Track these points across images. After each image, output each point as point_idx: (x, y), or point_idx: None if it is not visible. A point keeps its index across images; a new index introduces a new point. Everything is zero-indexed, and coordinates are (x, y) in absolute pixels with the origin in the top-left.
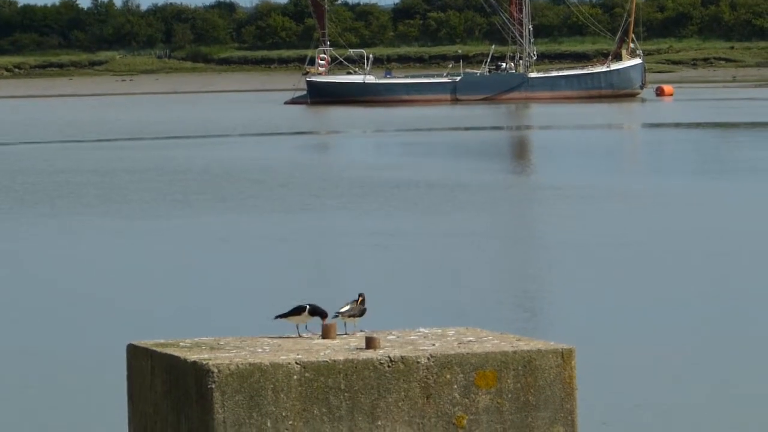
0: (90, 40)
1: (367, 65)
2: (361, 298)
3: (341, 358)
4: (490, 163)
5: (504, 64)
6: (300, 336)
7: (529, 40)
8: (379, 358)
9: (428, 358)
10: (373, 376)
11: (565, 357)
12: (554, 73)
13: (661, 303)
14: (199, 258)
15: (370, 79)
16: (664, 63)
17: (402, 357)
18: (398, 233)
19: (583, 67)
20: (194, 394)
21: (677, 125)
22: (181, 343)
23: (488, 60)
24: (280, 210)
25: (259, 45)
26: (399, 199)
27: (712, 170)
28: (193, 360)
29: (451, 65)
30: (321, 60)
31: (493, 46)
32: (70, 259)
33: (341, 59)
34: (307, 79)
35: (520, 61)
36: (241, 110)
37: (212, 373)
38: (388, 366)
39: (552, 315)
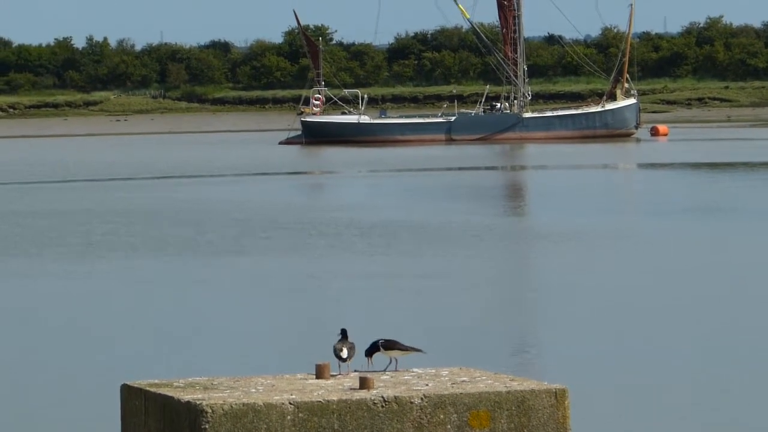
0: (85, 80)
1: (362, 105)
2: (344, 336)
3: (335, 398)
4: (484, 204)
5: (499, 104)
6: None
7: (524, 80)
8: (372, 398)
9: (422, 399)
10: (367, 416)
11: (558, 397)
12: (549, 113)
13: (655, 343)
14: (182, 300)
15: (365, 119)
16: (658, 103)
17: (396, 397)
18: (391, 274)
19: (577, 107)
20: None
21: (672, 165)
22: (175, 383)
23: (483, 100)
24: (272, 250)
25: (253, 85)
26: (392, 239)
27: (706, 211)
28: (186, 400)
29: (445, 105)
30: (316, 100)
31: (487, 86)
32: (50, 301)
33: (336, 99)
34: (302, 119)
35: (515, 101)
36: (236, 150)
37: (206, 413)
38: (382, 406)
39: (545, 355)
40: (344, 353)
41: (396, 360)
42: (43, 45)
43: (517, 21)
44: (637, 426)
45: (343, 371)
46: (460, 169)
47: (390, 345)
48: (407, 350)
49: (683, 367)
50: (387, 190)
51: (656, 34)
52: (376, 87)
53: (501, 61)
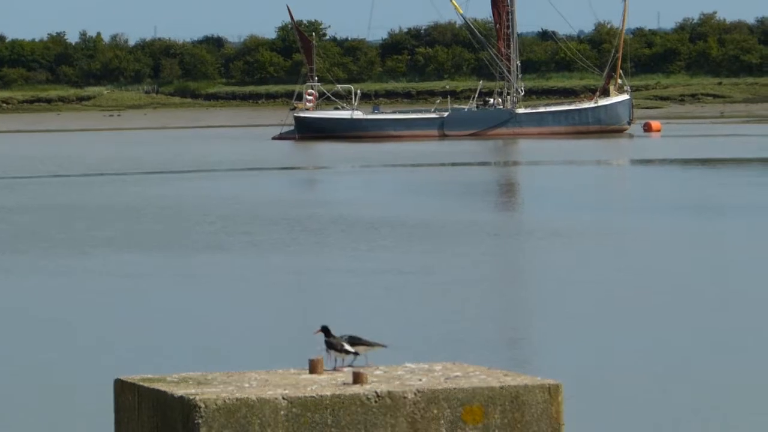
0: (78, 75)
1: (355, 100)
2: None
3: (328, 393)
4: (477, 200)
5: (491, 100)
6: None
7: (517, 75)
8: (366, 393)
9: (415, 394)
10: (360, 411)
11: (552, 392)
12: (542, 109)
13: (648, 338)
14: (173, 295)
15: (358, 114)
16: (651, 99)
17: (389, 392)
18: (383, 270)
19: (570, 103)
20: (181, 429)
21: (665, 161)
22: (168, 378)
23: (476, 95)
24: (265, 246)
25: (247, 80)
26: (384, 236)
27: (699, 207)
28: (180, 395)
29: (438, 101)
30: (309, 95)
31: (480, 82)
32: (39, 296)
33: (329, 94)
34: (295, 114)
35: (508, 97)
36: (229, 145)
37: (199, 408)
38: (375, 401)
39: (539, 351)
40: (348, 347)
41: (366, 356)
42: (36, 40)
43: (510, 16)
44: (630, 421)
45: (339, 365)
46: (453, 164)
47: (355, 341)
48: (372, 346)
49: (677, 362)
50: (380, 185)
51: (650, 29)
52: (369, 82)
53: (494, 56)
